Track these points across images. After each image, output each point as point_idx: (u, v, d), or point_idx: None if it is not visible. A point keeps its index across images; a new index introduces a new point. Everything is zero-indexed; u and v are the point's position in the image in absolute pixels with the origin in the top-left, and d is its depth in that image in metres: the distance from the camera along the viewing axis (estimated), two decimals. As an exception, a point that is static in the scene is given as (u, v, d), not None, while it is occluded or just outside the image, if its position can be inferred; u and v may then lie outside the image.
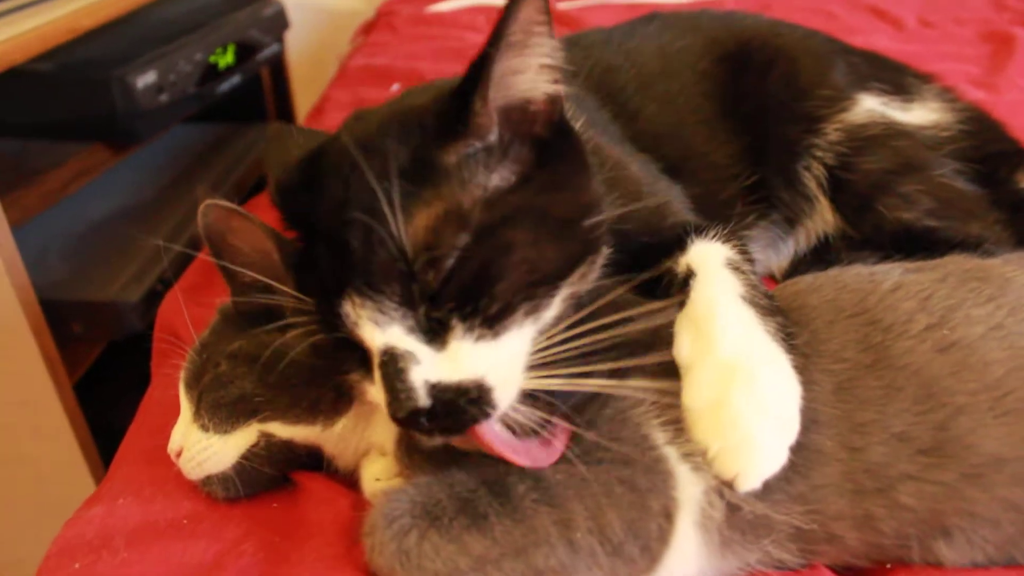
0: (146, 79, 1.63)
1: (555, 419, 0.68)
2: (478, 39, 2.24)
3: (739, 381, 0.69)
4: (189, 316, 0.90)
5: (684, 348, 0.73)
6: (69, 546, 0.76)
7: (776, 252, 1.17)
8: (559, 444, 0.69)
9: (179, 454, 0.80)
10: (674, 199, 0.97)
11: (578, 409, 0.70)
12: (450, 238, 0.64)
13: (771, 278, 1.17)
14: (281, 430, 0.79)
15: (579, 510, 0.67)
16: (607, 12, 2.34)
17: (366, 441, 0.82)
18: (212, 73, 1.86)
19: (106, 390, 1.64)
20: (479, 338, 0.66)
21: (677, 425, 0.71)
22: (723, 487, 0.69)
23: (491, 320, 0.65)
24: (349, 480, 0.83)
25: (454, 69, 1.60)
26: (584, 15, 2.30)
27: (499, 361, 0.66)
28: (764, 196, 1.13)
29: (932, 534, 0.69)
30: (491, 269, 0.65)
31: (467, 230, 0.65)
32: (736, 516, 0.70)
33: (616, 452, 0.69)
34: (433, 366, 0.65)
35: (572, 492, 0.68)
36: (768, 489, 0.68)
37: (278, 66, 2.47)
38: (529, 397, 0.68)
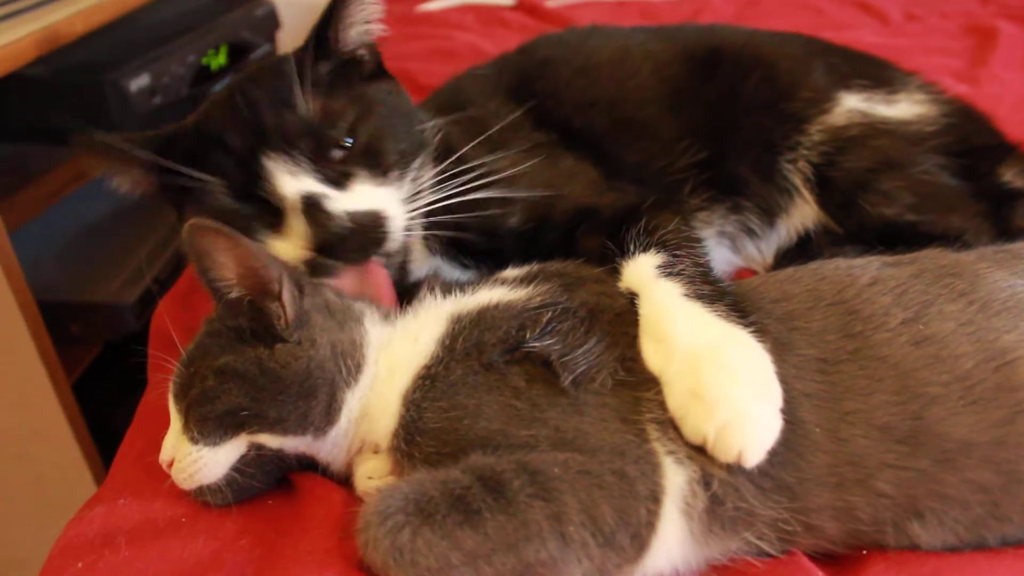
0: (139, 82, 1.64)
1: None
2: (468, 38, 2.22)
3: (706, 364, 0.73)
4: (181, 322, 0.91)
5: (652, 359, 0.77)
6: (72, 545, 0.78)
7: (754, 242, 1.19)
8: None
9: (171, 464, 0.80)
10: (569, 186, 1.03)
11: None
12: (342, 110, 0.92)
13: (752, 272, 1.19)
14: (271, 440, 0.79)
15: (573, 503, 0.69)
16: (596, 8, 2.36)
17: (359, 439, 0.83)
18: (205, 74, 1.87)
19: (104, 390, 1.65)
20: (373, 182, 0.90)
21: (662, 425, 0.74)
22: (719, 471, 0.71)
23: (380, 169, 0.91)
24: (342, 478, 0.85)
25: (444, 69, 1.62)
26: (573, 12, 2.32)
27: (390, 198, 0.90)
28: (728, 181, 1.15)
29: (907, 517, 0.72)
30: (371, 131, 0.92)
31: (352, 108, 0.92)
32: (719, 510, 0.72)
33: (611, 442, 0.72)
34: (345, 201, 0.87)
35: (567, 485, 0.69)
36: (760, 473, 0.71)
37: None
38: None
